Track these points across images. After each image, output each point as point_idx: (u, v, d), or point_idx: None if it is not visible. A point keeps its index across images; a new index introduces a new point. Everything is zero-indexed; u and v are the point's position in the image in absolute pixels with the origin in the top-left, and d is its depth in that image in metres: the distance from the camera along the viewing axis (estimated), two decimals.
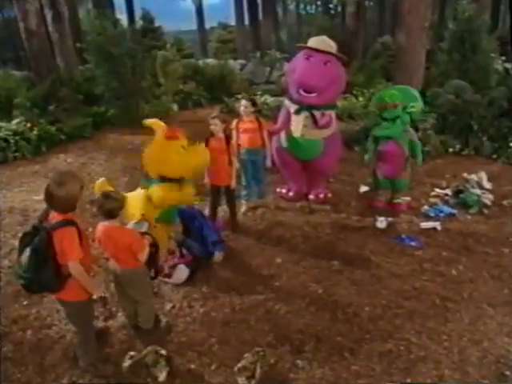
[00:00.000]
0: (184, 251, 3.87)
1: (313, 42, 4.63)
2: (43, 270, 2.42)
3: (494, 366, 2.90)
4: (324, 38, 4.74)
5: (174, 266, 3.75)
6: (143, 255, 2.80)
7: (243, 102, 4.75)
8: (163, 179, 3.52)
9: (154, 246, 2.98)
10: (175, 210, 3.81)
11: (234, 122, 4.78)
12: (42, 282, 2.48)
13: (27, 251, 2.41)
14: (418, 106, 4.72)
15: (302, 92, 4.56)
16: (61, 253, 2.43)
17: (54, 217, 2.46)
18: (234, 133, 4.70)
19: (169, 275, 3.72)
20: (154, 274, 3.14)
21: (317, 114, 4.63)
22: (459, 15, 8.72)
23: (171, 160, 3.45)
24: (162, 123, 3.49)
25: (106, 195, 2.72)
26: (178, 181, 3.56)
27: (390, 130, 4.68)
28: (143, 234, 2.93)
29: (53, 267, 2.43)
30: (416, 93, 4.89)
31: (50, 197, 2.40)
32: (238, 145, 4.70)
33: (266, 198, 5.22)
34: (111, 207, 2.66)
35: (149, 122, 3.44)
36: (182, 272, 3.74)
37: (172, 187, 3.54)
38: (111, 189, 3.56)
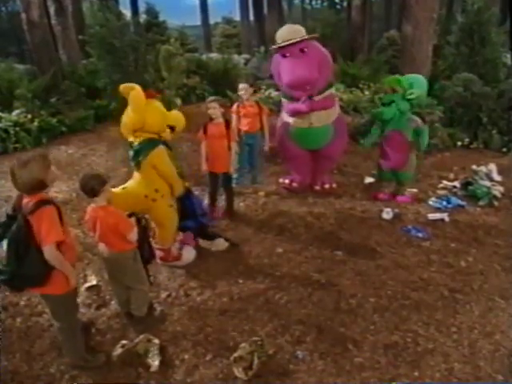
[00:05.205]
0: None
1: (280, 37, 4.37)
2: (26, 261, 2.24)
3: (507, 359, 2.73)
4: (288, 27, 4.46)
5: (181, 248, 3.75)
6: (133, 235, 2.68)
7: (241, 85, 4.69)
8: (149, 141, 3.32)
9: (143, 227, 2.86)
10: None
11: (235, 106, 4.71)
12: (26, 274, 2.28)
13: (4, 243, 2.24)
14: (416, 92, 4.45)
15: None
16: (39, 237, 2.24)
17: (29, 201, 2.28)
18: (234, 117, 4.64)
19: (178, 258, 3.67)
20: (147, 258, 3.00)
21: (319, 98, 4.48)
22: (468, 7, 8.54)
23: (155, 117, 3.28)
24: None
25: (86, 174, 2.66)
26: (164, 143, 3.41)
27: (381, 111, 4.58)
28: (130, 215, 2.81)
29: (36, 256, 2.24)
30: (423, 81, 4.67)
31: (12, 177, 2.24)
32: (239, 129, 4.62)
33: (260, 184, 5.14)
34: (91, 185, 2.56)
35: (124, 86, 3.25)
36: (190, 252, 3.73)
37: (165, 153, 3.38)
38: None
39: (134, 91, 3.18)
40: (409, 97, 4.45)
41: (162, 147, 3.34)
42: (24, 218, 2.23)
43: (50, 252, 2.26)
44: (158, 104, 3.39)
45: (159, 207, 3.38)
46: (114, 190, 3.26)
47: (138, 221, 2.88)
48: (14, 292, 2.67)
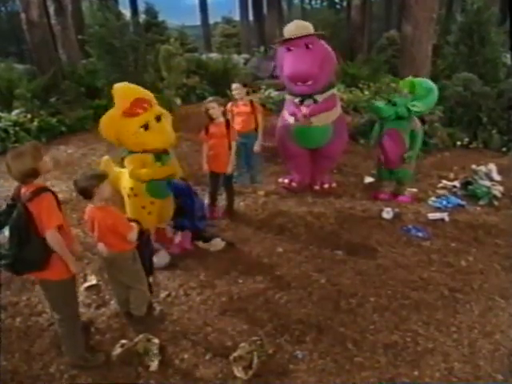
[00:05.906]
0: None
1: (287, 31, 4.44)
2: (27, 246, 2.32)
3: (506, 359, 2.73)
4: (296, 23, 4.53)
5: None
6: (132, 235, 2.68)
7: (234, 85, 4.69)
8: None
9: (142, 231, 2.87)
10: (163, 183, 3.47)
11: (229, 105, 4.72)
12: (27, 259, 2.35)
13: (6, 230, 2.30)
14: (420, 107, 4.49)
15: (298, 83, 4.44)
16: (41, 223, 2.31)
17: (27, 190, 2.34)
18: (229, 115, 4.65)
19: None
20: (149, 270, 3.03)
21: (319, 98, 4.49)
22: (468, 7, 8.54)
23: (125, 139, 3.19)
24: (131, 93, 3.16)
25: (81, 175, 2.67)
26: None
27: (380, 107, 4.61)
28: (129, 220, 2.83)
29: (37, 241, 2.32)
30: (434, 98, 4.66)
31: (7, 167, 2.31)
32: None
33: (259, 184, 5.14)
34: (83, 186, 2.57)
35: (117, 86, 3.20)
36: (163, 258, 3.68)
37: (145, 160, 3.28)
38: (114, 167, 3.61)
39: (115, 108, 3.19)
40: (410, 107, 4.46)
41: (135, 155, 3.29)
42: (23, 206, 2.30)
43: (52, 236, 2.33)
44: (135, 129, 3.13)
45: (129, 204, 3.48)
46: (115, 168, 3.58)
47: (142, 232, 2.87)
48: (16, 275, 2.72)
